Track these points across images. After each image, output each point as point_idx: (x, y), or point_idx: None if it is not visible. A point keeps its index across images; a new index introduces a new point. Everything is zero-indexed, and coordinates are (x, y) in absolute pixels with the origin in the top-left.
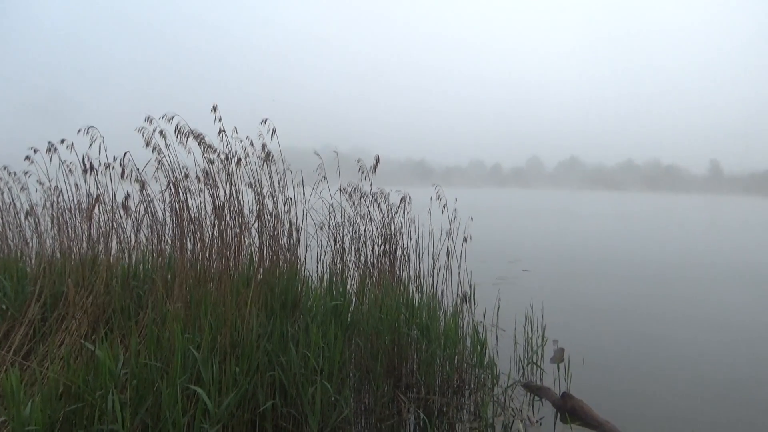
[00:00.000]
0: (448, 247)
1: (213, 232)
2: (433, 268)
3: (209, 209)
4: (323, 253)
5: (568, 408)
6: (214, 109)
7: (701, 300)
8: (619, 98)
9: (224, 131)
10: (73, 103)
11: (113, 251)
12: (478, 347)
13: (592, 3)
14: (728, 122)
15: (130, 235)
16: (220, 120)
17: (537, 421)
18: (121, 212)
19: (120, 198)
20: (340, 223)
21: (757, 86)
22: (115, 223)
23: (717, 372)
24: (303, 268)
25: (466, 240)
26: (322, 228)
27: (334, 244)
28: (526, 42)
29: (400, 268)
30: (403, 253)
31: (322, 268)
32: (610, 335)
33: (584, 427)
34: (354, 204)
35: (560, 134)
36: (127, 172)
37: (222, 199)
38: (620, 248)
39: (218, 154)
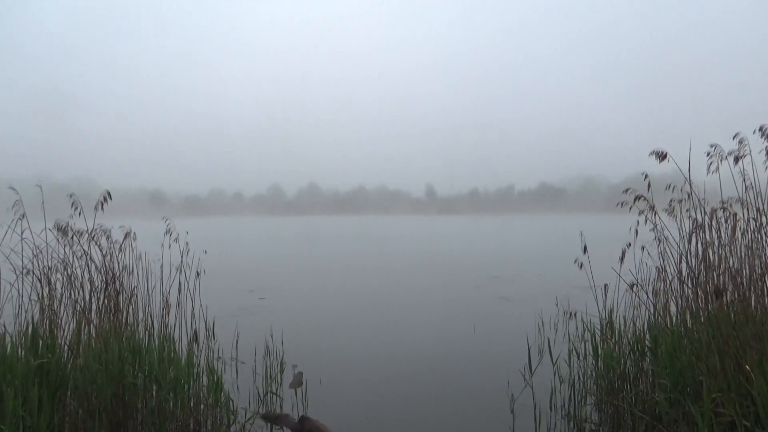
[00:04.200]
0: (180, 283)
1: None
2: (164, 308)
3: None
4: (27, 303)
5: (306, 431)
6: None
7: (424, 306)
8: (356, 130)
9: None
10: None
11: None
12: (215, 385)
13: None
14: (439, 150)
15: None
16: None
17: None
18: None
19: None
20: (50, 267)
21: (454, 121)
22: None
23: (441, 373)
24: None
25: (199, 274)
26: (26, 273)
27: (42, 291)
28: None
29: (125, 311)
30: (131, 294)
31: (24, 320)
32: (344, 351)
33: None
34: (69, 243)
35: (302, 161)
36: None
37: None
38: (355, 268)
39: None
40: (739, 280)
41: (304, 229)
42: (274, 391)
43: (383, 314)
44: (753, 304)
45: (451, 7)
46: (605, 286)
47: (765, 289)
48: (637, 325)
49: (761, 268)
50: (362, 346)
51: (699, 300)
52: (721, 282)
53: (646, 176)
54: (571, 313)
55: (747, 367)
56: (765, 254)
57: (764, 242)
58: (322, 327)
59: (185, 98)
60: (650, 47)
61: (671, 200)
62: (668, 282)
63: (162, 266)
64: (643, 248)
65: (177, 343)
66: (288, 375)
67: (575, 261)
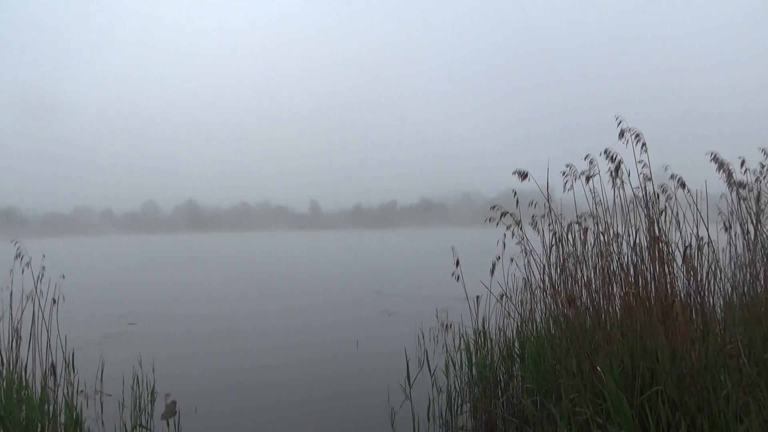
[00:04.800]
0: (33, 312)
1: None
2: (14, 340)
3: None
4: None
5: None
6: None
7: (305, 325)
8: (229, 143)
9: None
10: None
11: None
12: (73, 423)
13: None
14: (323, 166)
15: None
16: None
17: None
18: None
19: None
20: None
21: (338, 136)
22: None
23: (322, 393)
24: None
25: (56, 301)
26: None
27: None
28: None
29: None
30: None
31: None
32: (221, 376)
33: None
34: None
35: (178, 178)
36: None
37: None
38: (234, 288)
39: None
40: (591, 287)
41: (181, 248)
42: (144, 423)
43: (262, 336)
44: (604, 309)
45: (330, 21)
46: (477, 297)
47: (612, 296)
48: (507, 333)
49: (609, 276)
50: (239, 371)
51: (558, 308)
52: (576, 290)
53: (515, 193)
54: (447, 325)
55: (599, 368)
56: (612, 264)
57: (613, 253)
58: (197, 352)
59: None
60: (518, 79)
61: (533, 215)
62: (533, 291)
63: (11, 294)
64: (512, 260)
65: (30, 380)
66: (160, 405)
67: (453, 274)
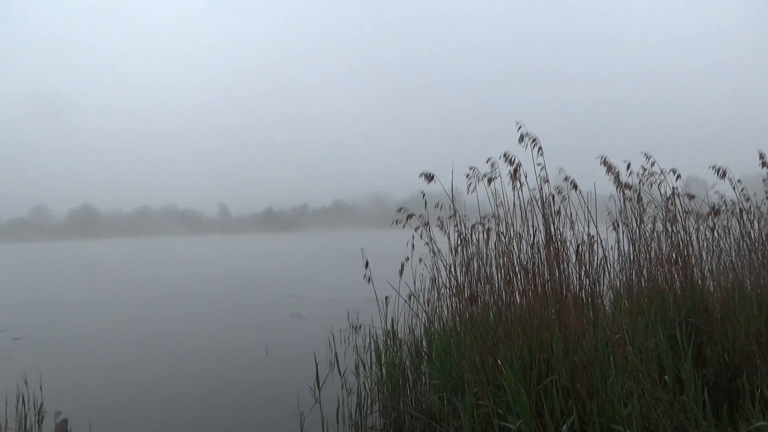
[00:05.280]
0: None
1: None
2: None
3: None
4: None
5: None
6: None
7: (211, 332)
8: (132, 144)
9: None
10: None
11: None
12: None
13: None
14: (232, 169)
15: None
16: None
17: None
18: None
19: None
20: None
21: (246, 139)
22: None
23: (231, 402)
24: None
25: None
26: None
27: None
28: None
29: None
30: None
31: None
32: (118, 390)
33: None
34: None
35: (72, 179)
36: None
37: None
38: (133, 296)
39: None
40: (494, 285)
41: (74, 257)
42: None
43: (164, 346)
44: (505, 305)
45: (227, 29)
46: (386, 298)
47: (513, 293)
48: (415, 332)
49: (510, 274)
50: (139, 384)
51: (463, 306)
52: (479, 288)
53: (423, 195)
54: (357, 326)
55: (500, 362)
56: (513, 262)
57: (513, 252)
58: (92, 366)
59: None
60: (428, 87)
61: (439, 217)
62: (439, 291)
63: None
64: (420, 260)
65: None
66: (49, 424)
67: (364, 276)
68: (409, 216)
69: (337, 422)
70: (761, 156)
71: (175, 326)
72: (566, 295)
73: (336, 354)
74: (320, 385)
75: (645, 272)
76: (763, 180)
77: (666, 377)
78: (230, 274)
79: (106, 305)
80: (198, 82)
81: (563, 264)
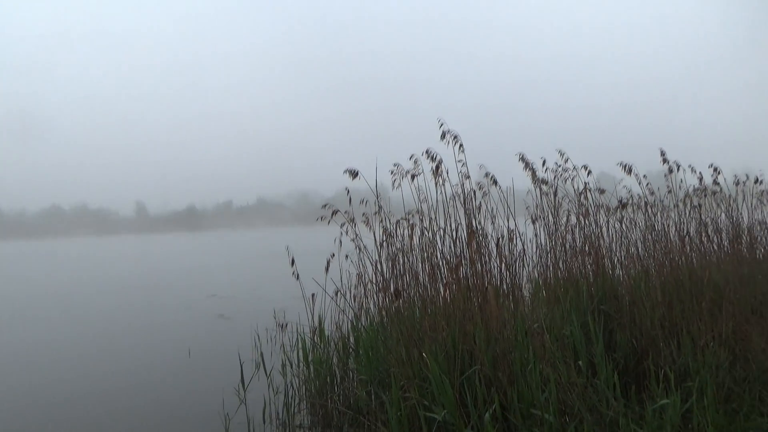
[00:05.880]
0: None
1: None
2: None
3: None
4: None
5: None
6: None
7: (130, 336)
8: (45, 139)
9: None
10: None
11: None
12: None
13: None
14: (149, 166)
15: None
16: None
17: None
18: None
19: None
20: None
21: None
22: None
23: (152, 408)
24: None
25: None
26: None
27: None
28: None
29: None
30: None
31: None
32: (28, 400)
33: None
34: None
35: None
36: None
37: None
38: (43, 301)
39: None
40: (419, 280)
41: None
42: None
43: (79, 349)
44: (430, 299)
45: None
46: (312, 295)
47: (438, 287)
48: (343, 329)
49: (433, 269)
50: (52, 392)
51: (389, 300)
52: (404, 283)
53: (348, 192)
54: (283, 325)
55: (424, 354)
56: (437, 256)
57: (436, 246)
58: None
59: None
60: (351, 85)
61: (364, 213)
62: (366, 286)
63: None
64: (347, 257)
65: None
66: None
67: (293, 273)
68: (334, 212)
69: (264, 422)
70: (662, 153)
71: (93, 331)
72: (487, 287)
73: (262, 354)
74: (245, 386)
75: (561, 264)
76: (665, 176)
77: (580, 362)
78: (150, 274)
79: (14, 311)
80: (118, 77)
81: (485, 257)
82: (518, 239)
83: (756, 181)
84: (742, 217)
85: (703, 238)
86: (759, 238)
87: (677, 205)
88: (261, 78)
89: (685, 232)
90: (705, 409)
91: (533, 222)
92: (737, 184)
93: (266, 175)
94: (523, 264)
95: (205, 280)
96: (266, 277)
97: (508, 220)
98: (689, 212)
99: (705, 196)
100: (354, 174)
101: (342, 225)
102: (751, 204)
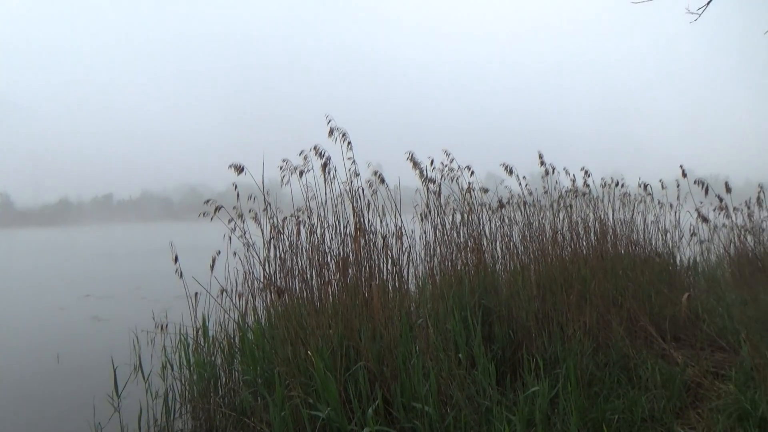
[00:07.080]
0: None
1: None
2: None
3: None
4: None
5: None
6: None
7: None
8: None
9: None
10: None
11: None
12: None
13: None
14: (15, 156)
15: None
16: None
17: None
18: None
19: None
20: None
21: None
22: None
23: (11, 425)
24: None
25: None
26: None
27: None
28: None
29: None
30: None
31: None
32: None
33: None
34: None
35: None
36: None
37: None
38: None
39: None
40: (306, 277)
41: None
42: None
43: None
44: (317, 297)
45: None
46: (196, 294)
47: (325, 284)
48: (228, 328)
49: (321, 266)
50: None
51: (275, 298)
52: (291, 281)
53: (235, 187)
54: (164, 326)
55: (309, 352)
56: (324, 253)
57: (324, 244)
58: None
59: None
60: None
61: (251, 209)
62: (252, 285)
63: None
64: (235, 254)
65: None
66: None
67: (176, 271)
68: (218, 208)
69: (140, 430)
70: (540, 156)
71: None
72: (371, 284)
73: (140, 357)
74: (119, 392)
75: (447, 260)
76: (542, 177)
77: (460, 355)
78: (14, 274)
79: None
80: None
81: (372, 254)
82: (406, 236)
83: (617, 184)
84: (608, 217)
85: (573, 236)
86: (620, 235)
87: (552, 205)
88: (151, 72)
89: (558, 230)
90: (570, 393)
91: (421, 220)
92: (604, 186)
93: (153, 169)
94: (410, 260)
95: (79, 278)
96: (148, 274)
97: (395, 218)
98: (562, 212)
99: (576, 197)
100: (239, 169)
101: (229, 221)
102: (616, 205)
